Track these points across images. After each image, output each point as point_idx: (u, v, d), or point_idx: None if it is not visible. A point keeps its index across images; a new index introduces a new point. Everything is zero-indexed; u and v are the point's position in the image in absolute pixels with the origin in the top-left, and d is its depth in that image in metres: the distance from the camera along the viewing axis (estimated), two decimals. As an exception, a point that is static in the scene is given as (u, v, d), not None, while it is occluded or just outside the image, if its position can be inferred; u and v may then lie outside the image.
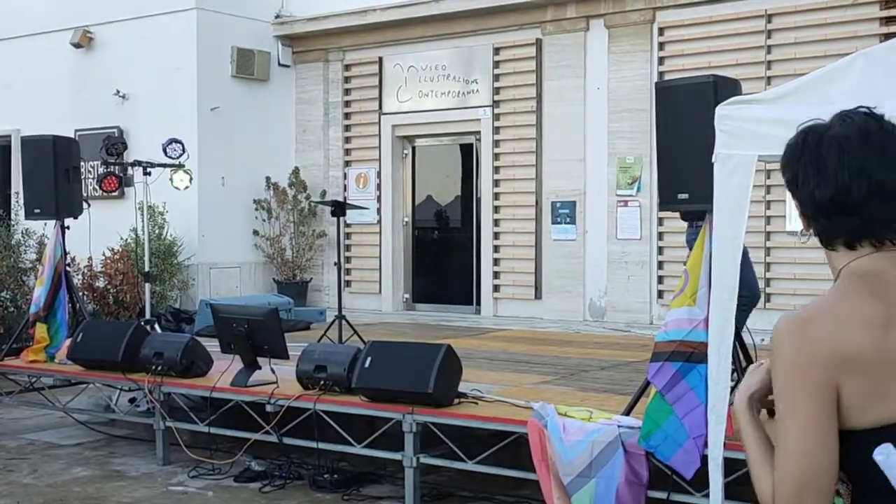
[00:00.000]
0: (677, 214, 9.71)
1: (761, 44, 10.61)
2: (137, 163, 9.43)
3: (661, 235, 11.25)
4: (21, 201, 9.07)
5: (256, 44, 13.40)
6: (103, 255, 11.25)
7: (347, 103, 13.68)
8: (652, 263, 11.27)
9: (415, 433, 5.75)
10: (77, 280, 10.34)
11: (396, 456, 5.84)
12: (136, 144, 12.25)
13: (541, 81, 12.06)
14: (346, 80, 13.66)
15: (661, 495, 4.87)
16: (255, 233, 13.39)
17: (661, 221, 11.20)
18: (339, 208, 8.90)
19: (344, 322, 8.53)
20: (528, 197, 12.17)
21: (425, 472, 6.02)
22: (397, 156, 13.37)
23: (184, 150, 9.69)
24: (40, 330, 8.02)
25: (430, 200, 13.52)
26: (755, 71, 10.46)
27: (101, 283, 11.13)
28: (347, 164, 13.68)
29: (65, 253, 8.36)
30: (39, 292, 8.12)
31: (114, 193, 10.95)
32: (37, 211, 8.38)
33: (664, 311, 10.21)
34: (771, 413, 1.93)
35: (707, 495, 4.57)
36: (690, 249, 5.17)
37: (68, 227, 8.35)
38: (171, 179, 9.82)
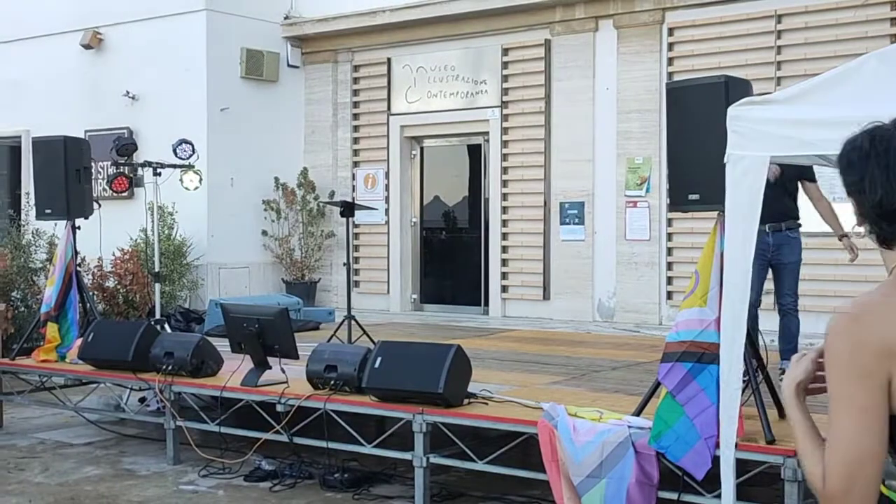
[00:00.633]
0: (687, 215, 9.76)
1: (771, 44, 10.60)
2: (147, 163, 9.46)
3: (670, 236, 11.24)
4: (32, 201, 9.10)
5: (266, 45, 13.42)
6: (113, 255, 11.28)
7: (356, 104, 13.70)
8: (661, 264, 11.26)
9: (425, 433, 5.75)
10: (87, 280, 10.36)
11: (406, 456, 5.85)
12: (146, 145, 12.28)
13: (549, 82, 12.07)
14: (355, 80, 13.68)
15: (672, 496, 4.87)
16: (264, 233, 13.42)
17: (670, 222, 11.20)
18: (348, 209, 8.91)
19: (353, 322, 8.54)
20: (536, 197, 12.17)
21: (435, 472, 6.03)
22: (406, 156, 13.38)
23: (193, 151, 9.72)
24: (51, 330, 8.05)
25: (438, 201, 13.53)
26: (765, 71, 10.45)
27: (111, 283, 11.17)
28: (356, 164, 13.70)
29: (75, 253, 8.39)
30: (50, 292, 8.14)
31: (124, 194, 10.97)
32: (48, 211, 8.40)
33: (673, 311, 10.22)
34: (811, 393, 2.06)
35: (718, 496, 4.58)
36: None
37: (79, 228, 8.38)
38: (180, 180, 9.85)
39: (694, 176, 5.10)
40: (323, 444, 6.21)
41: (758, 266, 6.47)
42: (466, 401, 5.89)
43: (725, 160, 4.46)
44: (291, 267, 13.42)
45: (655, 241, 11.28)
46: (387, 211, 13.29)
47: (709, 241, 4.96)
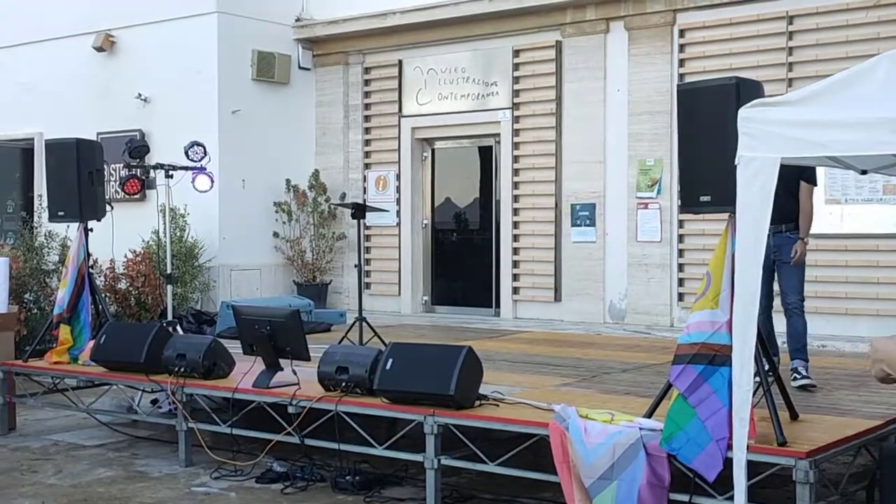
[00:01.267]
0: (698, 217, 9.75)
1: (783, 45, 10.58)
2: (159, 165, 9.49)
3: (681, 238, 11.23)
4: (44, 204, 9.13)
5: (277, 47, 13.46)
6: (125, 257, 11.32)
7: (367, 106, 13.72)
8: (672, 266, 11.25)
9: (436, 435, 5.75)
10: (100, 282, 10.40)
11: (418, 458, 5.85)
12: (158, 147, 12.33)
13: (560, 84, 12.06)
14: (366, 82, 13.71)
15: (684, 498, 4.86)
16: (276, 235, 13.45)
17: (681, 224, 11.19)
18: (359, 210, 8.92)
19: (364, 324, 8.55)
20: (547, 199, 12.17)
21: (446, 474, 6.03)
22: (417, 158, 13.39)
23: (205, 153, 9.76)
24: (64, 331, 8.07)
25: (449, 202, 13.53)
26: (777, 73, 10.43)
27: (123, 285, 11.20)
28: (367, 166, 13.72)
29: (88, 255, 8.41)
30: (63, 294, 8.17)
31: (136, 196, 11.02)
32: (61, 213, 8.43)
33: (684, 313, 10.21)
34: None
35: (729, 498, 4.56)
36: None
37: (91, 230, 8.40)
38: (192, 182, 9.87)
39: (705, 177, 5.09)
40: (334, 445, 6.21)
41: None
42: (477, 402, 5.89)
43: (736, 162, 4.45)
44: (303, 269, 13.44)
45: (667, 243, 11.26)
46: (398, 213, 13.30)
47: (720, 243, 4.95)
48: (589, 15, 11.80)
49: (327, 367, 6.33)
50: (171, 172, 9.40)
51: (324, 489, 6.31)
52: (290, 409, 6.33)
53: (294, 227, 13.48)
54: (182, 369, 6.99)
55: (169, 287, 9.56)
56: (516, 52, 12.41)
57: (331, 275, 13.61)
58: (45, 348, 8.33)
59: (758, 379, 4.80)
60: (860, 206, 10.13)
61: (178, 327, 9.51)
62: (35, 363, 8.20)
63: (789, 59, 10.56)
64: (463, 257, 13.37)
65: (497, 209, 12.76)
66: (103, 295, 9.62)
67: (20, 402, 8.33)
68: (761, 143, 4.38)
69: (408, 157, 13.33)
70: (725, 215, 4.94)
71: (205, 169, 9.82)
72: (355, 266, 8.99)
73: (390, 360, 6.02)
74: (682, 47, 11.27)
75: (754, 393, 4.62)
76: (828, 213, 10.08)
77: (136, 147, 9.66)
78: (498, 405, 5.91)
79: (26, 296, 10.74)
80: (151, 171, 10.21)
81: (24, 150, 14.88)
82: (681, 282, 11.25)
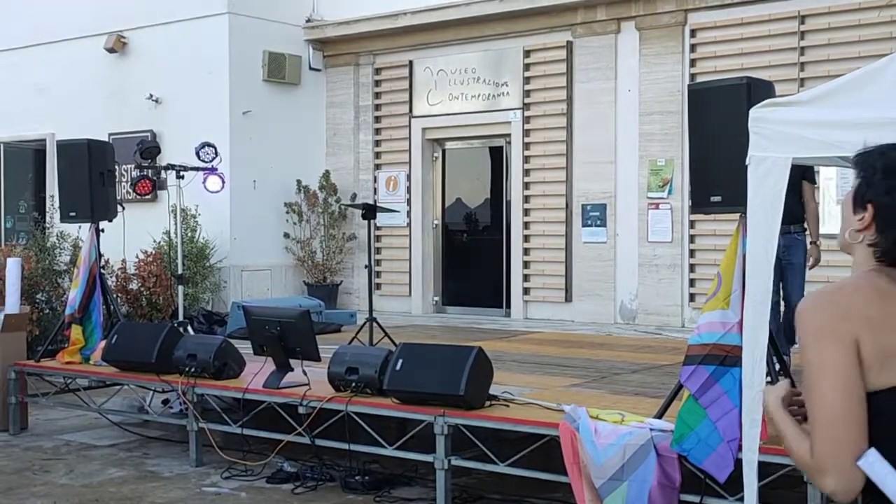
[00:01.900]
0: (709, 217, 9.73)
1: (794, 45, 10.55)
2: (171, 166, 9.51)
3: (692, 238, 11.20)
4: (56, 204, 9.16)
5: (288, 48, 13.48)
6: (137, 257, 11.35)
7: (378, 107, 13.73)
8: (683, 266, 11.22)
9: (446, 435, 5.75)
10: (111, 282, 10.43)
11: (428, 458, 5.85)
12: (169, 148, 12.36)
13: (571, 84, 12.05)
14: (377, 83, 13.71)
15: (695, 499, 4.85)
16: (286, 235, 13.47)
17: (692, 224, 11.16)
18: (370, 211, 8.93)
19: (374, 324, 8.56)
20: (558, 199, 12.16)
21: (456, 475, 6.02)
22: (427, 159, 13.40)
23: (216, 154, 9.78)
24: (75, 332, 8.10)
25: (459, 203, 13.53)
26: (788, 73, 10.40)
27: (134, 286, 11.23)
28: (377, 167, 13.72)
29: (99, 255, 8.44)
30: (74, 294, 8.19)
31: (147, 197, 11.05)
32: (72, 214, 8.46)
33: (695, 314, 10.18)
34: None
35: (740, 499, 4.55)
36: None
37: (103, 230, 8.43)
38: (203, 183, 9.90)
39: (716, 178, 5.09)
40: (344, 446, 6.22)
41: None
42: (488, 403, 5.89)
43: (747, 162, 4.44)
44: (313, 269, 13.46)
45: (678, 243, 11.24)
46: (408, 213, 13.30)
47: (731, 243, 4.94)
48: (600, 15, 11.79)
49: (337, 368, 6.34)
50: (182, 173, 9.42)
51: (334, 489, 6.32)
52: (301, 410, 6.33)
53: (305, 228, 13.50)
54: (193, 369, 7.00)
55: (180, 287, 9.58)
56: (527, 53, 12.40)
57: (341, 275, 13.63)
58: (57, 348, 8.36)
59: (769, 379, 4.78)
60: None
61: (189, 328, 9.53)
62: (47, 363, 8.23)
63: (801, 58, 10.52)
64: (473, 258, 13.37)
65: (508, 209, 12.75)
66: (115, 295, 9.64)
67: (32, 402, 8.36)
68: (772, 143, 4.37)
69: (418, 158, 13.33)
70: (736, 215, 4.93)
71: (216, 170, 9.84)
72: (366, 267, 9.00)
73: (400, 361, 6.02)
74: (693, 47, 11.25)
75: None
76: (839, 214, 10.04)
77: (148, 148, 9.68)
78: (508, 406, 5.91)
79: (38, 296, 10.78)
80: (163, 171, 10.24)
81: (36, 151, 14.94)
82: (692, 282, 11.22)
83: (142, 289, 11.21)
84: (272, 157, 13.20)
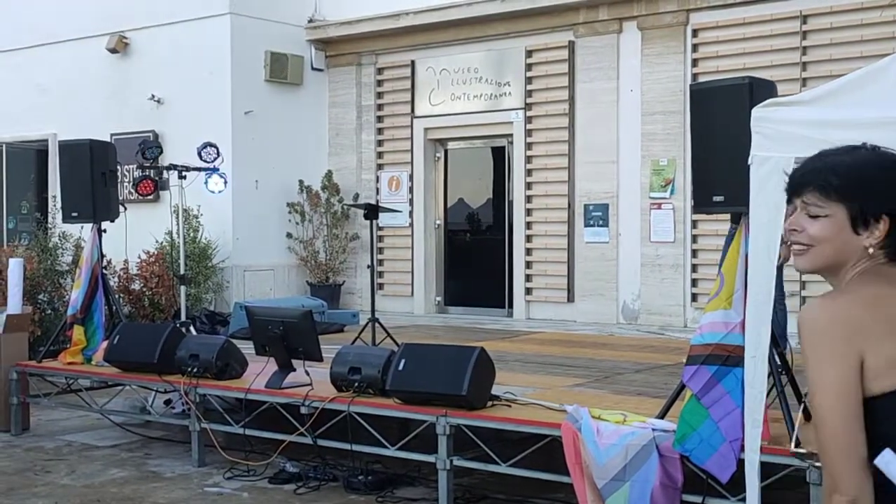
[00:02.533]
0: (711, 217, 9.71)
1: (796, 45, 10.54)
2: (173, 166, 9.51)
3: (694, 238, 11.19)
4: (58, 205, 9.17)
5: (290, 48, 13.48)
6: (139, 257, 11.35)
7: (380, 107, 13.73)
8: (686, 266, 11.22)
9: (448, 436, 5.75)
10: (113, 283, 10.43)
11: (430, 458, 5.85)
12: (172, 148, 12.37)
13: (573, 84, 12.04)
14: (379, 83, 13.71)
15: (697, 499, 4.84)
16: (289, 235, 13.47)
17: (694, 224, 11.15)
18: (372, 211, 8.93)
19: (377, 325, 8.55)
20: (560, 199, 12.15)
21: (458, 475, 6.02)
22: (429, 159, 13.39)
23: (218, 154, 9.78)
24: (77, 332, 8.10)
25: (462, 203, 13.53)
26: (790, 72, 10.39)
27: (136, 286, 11.24)
28: (380, 167, 13.72)
29: (101, 256, 8.44)
30: (76, 295, 8.20)
31: (149, 197, 11.06)
32: (74, 214, 8.46)
33: (698, 314, 10.16)
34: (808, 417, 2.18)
35: (742, 499, 4.55)
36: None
37: (105, 231, 8.43)
38: (205, 183, 9.90)
39: (718, 177, 5.08)
40: (347, 446, 6.22)
41: None
42: (490, 403, 5.89)
43: (750, 162, 4.44)
44: (316, 269, 13.45)
45: (680, 243, 11.23)
46: (411, 213, 13.30)
47: (733, 243, 4.93)
48: (602, 15, 11.78)
49: (340, 368, 6.34)
50: (184, 173, 9.41)
51: (336, 489, 6.32)
52: (303, 410, 6.33)
53: (307, 228, 13.50)
54: (195, 370, 7.00)
55: (182, 288, 9.58)
56: (529, 53, 12.39)
57: (344, 275, 13.63)
58: (59, 349, 8.36)
59: (771, 379, 4.78)
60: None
61: (192, 328, 9.53)
62: (49, 364, 8.24)
63: (803, 58, 10.51)
64: (476, 258, 13.36)
65: (510, 210, 12.75)
66: (117, 296, 9.65)
67: (34, 403, 8.36)
68: (775, 143, 4.36)
69: (420, 158, 13.33)
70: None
71: (218, 170, 9.84)
72: (368, 267, 9.00)
73: (403, 361, 6.02)
74: (695, 47, 11.24)
75: (767, 394, 4.60)
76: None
77: (150, 148, 9.68)
78: (510, 406, 5.91)
79: (40, 297, 10.79)
80: (165, 172, 10.24)
81: (39, 152, 14.95)
82: (694, 282, 11.21)
83: (144, 289, 11.22)
84: (274, 158, 13.20)
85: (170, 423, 7.77)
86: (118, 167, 8.63)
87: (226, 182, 10.08)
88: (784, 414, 4.81)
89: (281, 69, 13.29)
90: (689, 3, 11.20)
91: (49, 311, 10.67)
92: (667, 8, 11.33)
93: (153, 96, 13.34)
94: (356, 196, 13.40)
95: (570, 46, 12.06)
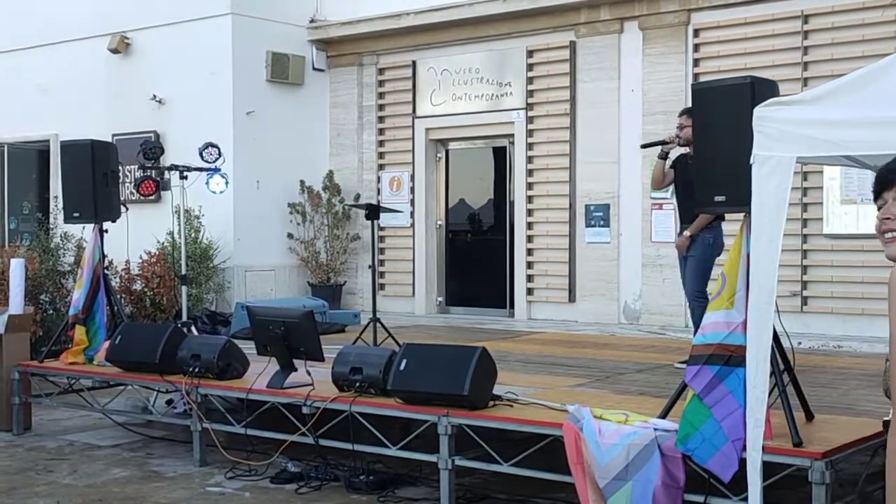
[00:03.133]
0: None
1: (798, 45, 10.54)
2: (174, 167, 9.51)
3: (696, 238, 11.17)
4: (60, 205, 9.16)
5: (291, 48, 13.48)
6: (140, 258, 11.36)
7: (381, 107, 13.73)
8: (687, 266, 11.19)
9: (450, 435, 5.75)
10: (115, 283, 10.43)
11: (432, 458, 5.85)
12: (173, 148, 12.37)
13: (574, 84, 12.05)
14: (380, 83, 13.71)
15: (699, 499, 4.84)
16: (290, 236, 13.47)
17: (696, 224, 11.13)
18: (373, 211, 8.93)
19: (378, 325, 8.55)
20: (561, 200, 12.15)
21: (460, 475, 6.02)
22: (431, 159, 13.40)
23: (220, 154, 9.78)
24: (79, 332, 8.10)
25: (463, 203, 13.53)
26: (792, 72, 10.39)
27: (138, 286, 11.24)
28: (381, 167, 13.72)
29: (103, 256, 8.44)
30: (78, 295, 8.20)
31: (151, 197, 11.07)
32: (76, 215, 8.46)
33: (699, 314, 10.16)
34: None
35: (744, 499, 4.55)
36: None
37: (106, 231, 8.43)
38: (207, 183, 9.90)
39: (720, 177, 5.07)
40: (348, 446, 6.22)
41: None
42: (491, 403, 5.89)
43: (751, 161, 4.44)
44: (317, 270, 13.46)
45: (681, 243, 11.20)
46: (412, 214, 13.30)
47: (735, 243, 4.93)
48: (603, 15, 11.78)
49: (341, 368, 6.34)
50: (185, 174, 9.42)
51: (338, 489, 6.32)
52: (305, 410, 6.33)
53: (308, 229, 13.50)
54: (196, 370, 7.00)
55: (184, 288, 9.58)
56: (530, 53, 12.39)
57: (345, 276, 13.63)
58: (61, 349, 8.36)
59: (773, 379, 4.78)
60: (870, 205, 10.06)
61: (193, 328, 9.53)
62: (51, 364, 8.24)
63: (804, 58, 10.51)
64: (477, 258, 13.36)
65: (511, 210, 12.75)
66: (118, 296, 9.65)
67: (36, 403, 8.36)
68: (776, 143, 4.36)
69: (422, 158, 13.33)
70: (740, 215, 4.92)
71: (219, 170, 9.85)
72: (369, 267, 9.00)
73: (404, 361, 6.02)
74: (696, 47, 11.24)
75: (769, 393, 4.60)
76: (844, 213, 10.05)
77: (151, 148, 9.68)
78: (512, 406, 5.90)
79: (42, 297, 10.79)
80: (166, 172, 10.24)
81: (40, 152, 14.95)
82: (695, 282, 11.19)
83: (145, 289, 11.22)
84: (276, 158, 13.20)
85: (171, 422, 7.77)
86: (119, 167, 8.63)
87: (227, 182, 10.08)
88: (786, 413, 4.81)
89: (282, 69, 13.29)
90: (691, 3, 11.20)
91: (51, 312, 10.67)
92: (668, 8, 11.33)
93: (154, 96, 13.35)
94: (357, 196, 13.41)
95: (572, 46, 12.06)
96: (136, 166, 11.05)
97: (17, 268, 8.43)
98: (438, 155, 13.47)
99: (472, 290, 13.35)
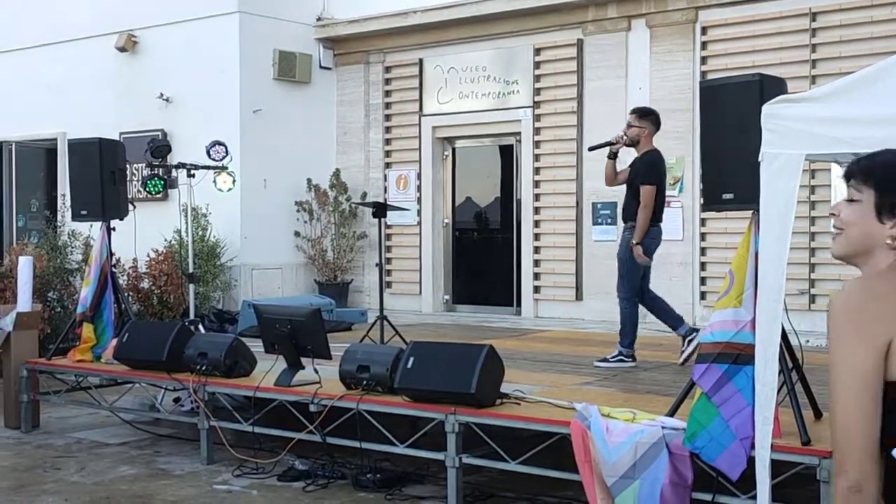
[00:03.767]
0: (720, 215, 9.70)
1: (806, 42, 10.51)
2: (181, 165, 9.52)
3: (703, 236, 11.17)
4: (68, 203, 9.17)
5: (298, 46, 13.49)
6: (148, 256, 11.37)
7: (388, 105, 13.73)
8: (694, 264, 11.20)
9: (457, 433, 5.75)
10: (122, 281, 10.45)
11: (439, 456, 5.85)
12: (180, 147, 12.38)
13: (582, 82, 12.03)
14: (387, 81, 13.71)
15: (707, 497, 4.83)
16: (297, 234, 13.48)
17: (703, 222, 11.13)
18: (380, 210, 8.92)
19: (385, 323, 8.56)
20: (568, 198, 12.14)
21: (468, 473, 6.02)
22: (437, 157, 13.39)
23: (227, 153, 9.78)
24: (87, 330, 8.12)
25: (470, 202, 13.52)
26: (799, 70, 10.36)
27: (145, 284, 11.26)
28: (388, 165, 13.72)
29: (110, 254, 8.46)
30: (86, 293, 8.22)
31: (158, 195, 11.06)
32: (83, 213, 8.48)
33: (707, 312, 10.16)
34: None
35: (753, 497, 4.54)
36: None
37: (114, 229, 8.45)
38: (214, 181, 9.91)
39: (728, 175, 5.06)
40: (356, 444, 6.22)
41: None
42: (499, 401, 5.88)
43: (760, 159, 4.42)
44: (324, 268, 13.46)
45: (689, 241, 11.21)
46: (419, 212, 13.30)
47: (743, 241, 4.92)
48: (610, 13, 11.76)
49: (348, 366, 6.34)
50: (192, 172, 9.42)
51: (345, 487, 6.32)
52: (312, 408, 6.34)
53: (315, 227, 13.51)
54: (204, 368, 7.01)
55: (191, 286, 9.59)
56: (537, 51, 12.38)
57: (352, 274, 13.63)
58: (69, 346, 8.38)
59: (782, 377, 4.77)
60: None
61: (200, 326, 9.54)
62: (58, 361, 8.26)
63: (812, 56, 10.48)
64: (484, 256, 13.36)
65: (518, 208, 12.73)
66: (126, 294, 9.66)
67: (44, 400, 8.38)
68: (785, 140, 4.35)
69: (428, 156, 13.32)
70: (748, 213, 4.91)
71: (226, 168, 9.85)
72: (376, 265, 9.00)
73: (411, 359, 6.02)
74: (704, 45, 11.22)
75: (778, 391, 4.59)
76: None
77: (158, 146, 9.69)
78: (519, 404, 5.90)
79: (50, 294, 10.81)
80: (173, 170, 10.25)
81: (48, 150, 14.99)
82: (703, 280, 11.19)
83: (153, 287, 11.24)
84: (283, 156, 13.21)
85: (179, 420, 7.78)
86: (127, 165, 8.64)
87: (234, 180, 10.09)
88: (794, 411, 4.80)
89: (289, 68, 13.30)
90: (698, 1, 11.17)
91: (59, 309, 10.69)
92: (676, 5, 11.30)
93: (162, 95, 13.36)
94: (364, 194, 13.41)
95: (579, 44, 12.05)
96: (144, 164, 11.06)
97: (25, 265, 8.45)
98: (445, 153, 13.46)
99: (479, 288, 13.34)
